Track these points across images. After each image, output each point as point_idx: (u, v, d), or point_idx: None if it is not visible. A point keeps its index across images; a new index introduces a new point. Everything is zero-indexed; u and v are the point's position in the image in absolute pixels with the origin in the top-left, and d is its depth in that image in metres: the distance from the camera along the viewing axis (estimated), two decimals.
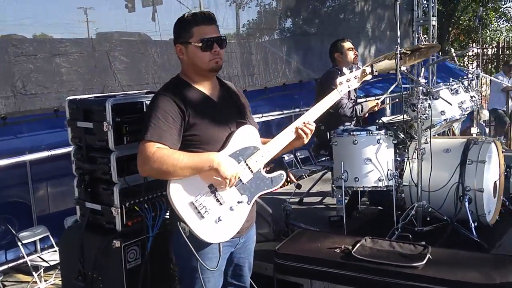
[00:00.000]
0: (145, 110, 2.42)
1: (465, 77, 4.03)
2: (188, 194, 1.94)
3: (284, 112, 5.82)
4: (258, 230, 2.52)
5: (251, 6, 6.13)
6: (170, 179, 1.93)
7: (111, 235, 2.42)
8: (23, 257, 3.91)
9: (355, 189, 3.61)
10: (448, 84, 3.58)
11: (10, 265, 4.11)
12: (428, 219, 3.47)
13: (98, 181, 2.51)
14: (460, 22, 14.15)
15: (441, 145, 3.62)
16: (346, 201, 3.81)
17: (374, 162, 3.49)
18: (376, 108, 4.21)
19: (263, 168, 2.12)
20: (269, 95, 5.59)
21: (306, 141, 2.20)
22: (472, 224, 3.27)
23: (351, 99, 4.14)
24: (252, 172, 2.07)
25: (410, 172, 3.55)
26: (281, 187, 2.41)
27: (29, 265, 3.85)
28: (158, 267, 2.46)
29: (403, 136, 3.59)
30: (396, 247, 2.91)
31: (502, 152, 3.68)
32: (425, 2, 7.91)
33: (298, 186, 4.41)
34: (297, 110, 6.18)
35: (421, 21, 8.13)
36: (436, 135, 4.01)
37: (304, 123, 2.17)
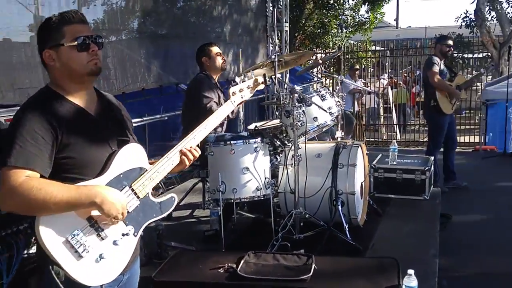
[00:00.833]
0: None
1: (315, 79, 4.25)
2: (63, 230, 1.61)
3: (144, 119, 5.51)
4: None
5: (97, 4, 5.66)
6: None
7: None
8: None
9: (233, 201, 3.51)
10: (319, 90, 3.70)
11: None
12: (302, 224, 3.55)
13: None
14: (305, 28, 15.19)
15: (313, 150, 3.73)
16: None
17: (252, 171, 3.44)
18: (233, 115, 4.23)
19: (152, 191, 1.88)
20: (127, 101, 5.22)
21: (187, 164, 1.99)
22: (346, 227, 3.44)
23: (220, 104, 4.06)
24: (138, 198, 1.80)
25: (288, 178, 3.59)
26: None
27: None
28: None
29: (279, 143, 3.62)
30: (281, 259, 2.89)
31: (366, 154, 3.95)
32: (275, 9, 8.35)
33: None
34: (157, 116, 5.94)
35: (275, 27, 8.55)
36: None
37: (191, 147, 1.97)
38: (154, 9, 6.13)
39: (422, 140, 13.34)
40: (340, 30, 14.58)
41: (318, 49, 15.13)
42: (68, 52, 1.69)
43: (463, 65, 14.15)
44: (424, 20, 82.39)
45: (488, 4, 12.21)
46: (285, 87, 3.68)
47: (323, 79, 13.38)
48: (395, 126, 14.85)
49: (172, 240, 3.55)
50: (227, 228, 3.79)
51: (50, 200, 1.54)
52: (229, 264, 2.82)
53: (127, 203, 1.75)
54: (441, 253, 3.37)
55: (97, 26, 5.47)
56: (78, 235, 1.63)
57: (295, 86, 3.43)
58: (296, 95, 3.38)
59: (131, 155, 1.83)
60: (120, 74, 5.52)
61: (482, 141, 10.82)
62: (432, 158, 4.88)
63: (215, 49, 4.13)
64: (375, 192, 4.50)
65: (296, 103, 3.36)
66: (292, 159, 3.51)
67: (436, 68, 5.41)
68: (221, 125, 4.11)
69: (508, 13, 13.06)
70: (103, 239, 1.71)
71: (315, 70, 8.00)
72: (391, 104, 15.13)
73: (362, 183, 3.84)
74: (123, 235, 1.76)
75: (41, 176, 1.61)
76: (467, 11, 13.52)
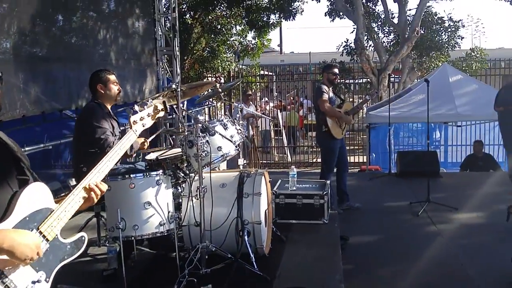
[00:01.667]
0: None
1: (206, 104, 4.29)
2: None
3: (27, 149, 5.06)
4: None
5: None
6: None
7: None
8: None
9: (133, 238, 3.33)
10: (221, 119, 3.70)
11: None
12: (207, 257, 3.49)
13: None
14: (194, 52, 15.33)
15: (217, 180, 3.69)
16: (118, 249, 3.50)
17: (154, 205, 3.30)
18: (145, 147, 4.04)
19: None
20: (7, 130, 4.74)
21: (95, 201, 1.90)
22: (253, 257, 3.45)
23: (115, 136, 3.87)
24: (48, 240, 1.68)
25: (193, 211, 3.51)
26: None
27: None
28: None
29: (183, 175, 3.53)
30: None
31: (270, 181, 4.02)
32: (161, 32, 8.31)
33: None
34: (41, 145, 5.51)
35: (164, 50, 8.48)
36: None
37: (96, 183, 1.87)
38: (31, 28, 5.70)
39: (311, 161, 14.12)
40: (236, 58, 14.97)
41: (208, 73, 15.36)
42: None
43: (345, 90, 15.27)
44: (307, 46, 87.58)
45: (366, 33, 13.36)
46: (185, 115, 3.62)
47: (215, 103, 13.67)
48: (285, 148, 15.53)
49: (66, 282, 3.25)
50: (127, 266, 3.59)
51: None
52: None
53: None
54: (344, 276, 3.52)
55: None
56: None
57: (192, 111, 3.40)
58: (200, 124, 3.35)
59: (35, 195, 1.70)
60: None
61: (366, 161, 11.66)
62: (329, 182, 5.12)
63: (112, 77, 3.93)
64: (277, 218, 4.58)
65: (200, 133, 3.33)
66: (196, 190, 3.45)
67: (325, 96, 5.75)
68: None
69: (384, 42, 14.41)
70: None
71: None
72: (281, 127, 15.82)
73: (266, 210, 3.89)
74: (33, 282, 1.63)
75: None
76: (347, 40, 14.68)
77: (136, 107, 2.22)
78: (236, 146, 3.68)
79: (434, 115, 9.41)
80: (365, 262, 4.47)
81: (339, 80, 6.48)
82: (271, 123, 14.74)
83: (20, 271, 1.58)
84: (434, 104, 9.20)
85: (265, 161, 13.41)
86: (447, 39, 13.74)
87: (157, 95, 3.65)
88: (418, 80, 13.61)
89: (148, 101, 2.34)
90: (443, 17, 14.12)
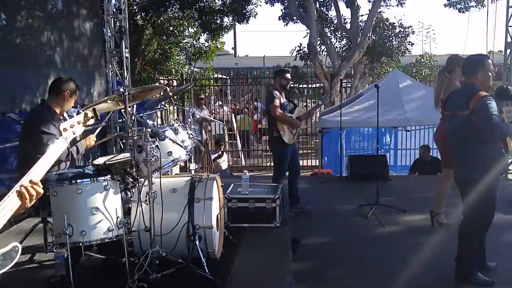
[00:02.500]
0: None
1: (158, 108, 4.33)
2: None
3: None
4: None
5: None
6: None
7: None
8: None
9: (81, 244, 3.31)
10: (171, 124, 3.74)
11: None
12: (157, 262, 3.51)
13: None
14: (145, 54, 15.19)
15: (168, 185, 3.72)
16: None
17: (102, 211, 3.31)
18: (92, 143, 4.01)
19: None
20: None
21: (29, 204, 1.84)
22: (204, 262, 3.50)
23: None
24: None
25: (142, 216, 3.52)
26: None
27: None
28: None
29: (132, 180, 3.54)
30: None
31: (221, 186, 4.09)
32: (110, 34, 8.20)
33: None
34: None
35: (114, 52, 8.37)
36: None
37: (31, 182, 1.83)
38: None
39: (265, 165, 14.27)
40: (188, 61, 14.93)
41: (160, 75, 15.24)
42: None
43: (298, 95, 15.53)
44: (261, 49, 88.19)
45: (319, 38, 13.65)
46: (135, 120, 3.63)
47: (167, 107, 13.58)
48: (239, 152, 15.62)
49: None
50: (75, 272, 3.56)
51: None
52: None
53: None
54: (295, 278, 3.63)
55: None
56: None
57: (142, 115, 3.43)
58: (149, 129, 3.38)
59: None
60: None
61: (318, 164, 11.88)
62: (281, 186, 5.24)
63: (77, 92, 3.94)
64: (229, 222, 4.65)
65: (150, 138, 3.36)
66: (146, 195, 3.48)
67: (277, 102, 5.86)
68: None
69: (336, 47, 14.77)
70: None
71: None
72: (235, 131, 15.88)
73: (217, 215, 3.95)
74: None
75: None
76: (301, 44, 14.92)
77: (66, 115, 2.26)
78: (187, 151, 3.73)
79: (384, 120, 9.77)
80: (316, 263, 4.60)
81: (291, 85, 6.61)
82: (225, 127, 14.77)
83: None
84: (384, 109, 9.52)
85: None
86: (397, 45, 14.27)
87: (105, 98, 3.64)
88: (370, 85, 14.04)
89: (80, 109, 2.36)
90: (394, 23, 14.66)
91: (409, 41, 14.26)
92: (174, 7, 14.91)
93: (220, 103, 18.07)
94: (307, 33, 13.63)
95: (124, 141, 7.71)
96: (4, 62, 6.10)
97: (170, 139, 3.52)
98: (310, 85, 15.57)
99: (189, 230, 3.56)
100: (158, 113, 13.04)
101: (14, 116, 6.20)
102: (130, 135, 3.51)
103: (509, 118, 4.15)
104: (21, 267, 3.84)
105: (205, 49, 16.82)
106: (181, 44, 16.09)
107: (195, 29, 16.40)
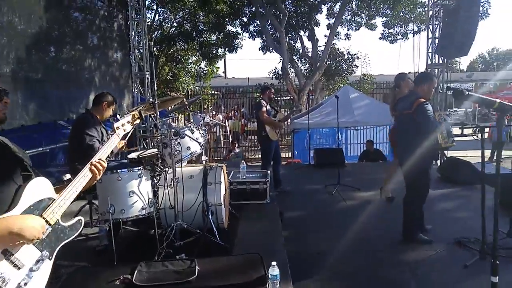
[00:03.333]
0: None
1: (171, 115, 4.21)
2: None
3: (27, 152, 4.66)
4: None
5: None
6: None
7: None
8: None
9: (121, 220, 3.12)
10: (189, 125, 3.56)
11: None
12: (179, 233, 3.33)
13: None
14: (160, 76, 14.90)
15: (186, 172, 3.55)
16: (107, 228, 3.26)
17: (137, 193, 3.12)
18: (123, 149, 3.82)
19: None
20: (8, 136, 4.32)
21: (98, 177, 1.79)
22: (216, 232, 3.34)
23: (103, 141, 3.63)
24: (50, 225, 1.51)
25: (168, 197, 3.34)
26: None
27: None
28: None
29: (160, 169, 3.36)
30: (169, 266, 2.64)
31: (227, 173, 3.92)
32: (135, 61, 7.98)
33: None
34: (40, 149, 5.13)
35: (138, 75, 8.14)
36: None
37: (98, 160, 1.77)
38: (26, 57, 5.26)
39: (251, 157, 14.11)
40: (198, 79, 14.67)
41: (171, 92, 15.00)
42: None
43: (275, 105, 15.39)
44: (245, 72, 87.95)
45: (289, 63, 13.54)
46: (160, 123, 3.46)
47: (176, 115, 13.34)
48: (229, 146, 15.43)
49: (66, 259, 2.99)
50: (116, 242, 3.36)
51: None
52: (124, 276, 2.48)
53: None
54: (284, 241, 3.50)
55: None
56: None
57: (164, 120, 3.27)
58: (173, 130, 3.20)
59: (38, 187, 1.52)
60: None
61: (291, 156, 11.80)
62: (269, 172, 5.10)
63: (114, 104, 3.77)
64: (232, 200, 4.49)
65: (173, 136, 3.18)
66: (171, 181, 3.30)
67: (264, 109, 5.74)
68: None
69: (302, 70, 14.68)
70: (19, 268, 1.37)
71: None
72: (228, 132, 15.70)
73: (224, 195, 3.79)
74: (37, 261, 1.45)
75: None
76: (276, 68, 14.82)
77: (118, 116, 2.11)
78: (200, 146, 3.56)
79: (339, 122, 9.73)
80: (297, 230, 4.48)
81: (274, 97, 6.49)
82: (221, 129, 14.56)
83: (25, 251, 1.41)
84: (339, 114, 9.47)
85: (216, 158, 13.23)
86: (346, 68, 14.26)
87: (137, 107, 3.45)
88: (326, 97, 14.01)
89: (127, 112, 2.22)
90: (343, 51, 14.63)
91: (355, 65, 14.32)
92: (181, 41, 14.63)
93: (214, 112, 17.86)
94: (281, 59, 13.53)
95: (146, 140, 7.49)
96: (54, 82, 5.87)
97: (189, 136, 3.34)
98: (283, 98, 15.50)
99: (204, 207, 3.40)
100: (170, 119, 12.77)
101: (63, 123, 5.96)
102: (157, 134, 3.33)
103: (440, 120, 4.10)
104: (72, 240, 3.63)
105: (204, 72, 16.60)
106: (186, 69, 15.84)
107: (196, 57, 16.14)
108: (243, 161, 4.87)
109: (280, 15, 13.11)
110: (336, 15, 13.97)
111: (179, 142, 3.24)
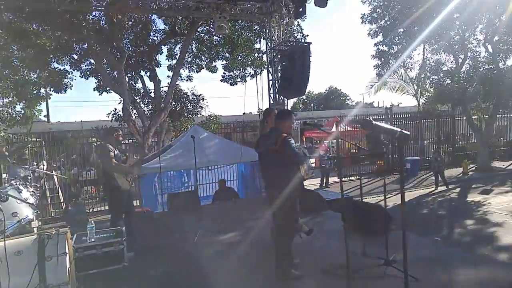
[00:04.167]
0: None
1: None
2: None
3: None
4: None
5: None
6: None
7: None
8: None
9: None
10: (13, 183, 2.70)
11: None
12: None
13: None
14: None
15: (11, 248, 2.65)
16: None
17: None
18: None
19: None
20: None
21: None
22: None
23: None
24: None
25: None
26: None
27: None
28: None
29: None
30: None
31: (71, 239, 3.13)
32: None
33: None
34: None
35: None
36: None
37: None
38: None
39: (90, 211, 12.40)
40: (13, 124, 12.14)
41: None
42: None
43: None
44: (78, 115, 80.00)
45: (131, 104, 12.79)
46: None
47: None
48: (62, 203, 13.28)
49: None
50: None
51: None
52: None
53: None
54: None
55: None
56: None
57: None
58: None
59: None
60: None
61: (139, 204, 10.87)
62: (123, 228, 4.39)
63: None
64: (78, 272, 3.61)
65: None
66: None
67: (112, 154, 5.06)
68: None
69: (145, 110, 14.07)
70: None
71: None
72: (56, 185, 13.52)
73: (69, 269, 2.98)
74: None
75: None
76: (115, 109, 13.77)
77: None
78: (34, 209, 2.74)
79: (192, 163, 9.53)
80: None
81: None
82: (46, 182, 12.34)
83: None
84: (191, 155, 9.31)
85: (43, 218, 11.08)
86: (192, 108, 14.39)
87: None
88: (173, 138, 13.73)
89: None
90: (187, 92, 14.78)
91: (200, 105, 14.56)
92: None
93: (36, 162, 15.23)
94: (121, 100, 12.69)
95: None
96: None
97: (15, 198, 2.51)
98: (126, 141, 14.40)
99: None
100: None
101: None
102: None
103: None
104: None
105: (20, 116, 14.10)
106: None
107: (10, 98, 13.60)
108: (91, 220, 4.04)
109: (117, 54, 12.42)
110: (177, 56, 14.11)
111: (0, 208, 2.39)
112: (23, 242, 2.74)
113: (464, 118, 16.16)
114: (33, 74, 13.27)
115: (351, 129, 15.64)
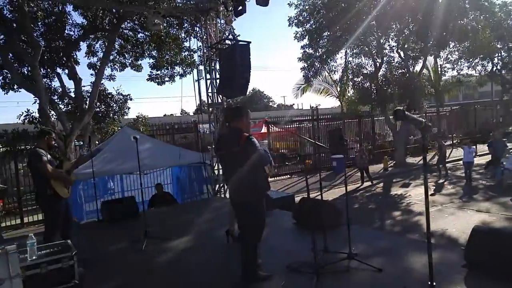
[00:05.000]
0: None
1: None
2: None
3: None
4: None
5: None
6: None
7: None
8: None
9: None
10: None
11: None
12: None
13: None
14: None
15: None
16: None
17: None
18: None
19: None
20: None
21: None
22: None
23: None
24: None
25: None
26: None
27: None
28: None
29: None
30: None
31: None
32: None
33: None
34: None
35: None
36: None
37: None
38: None
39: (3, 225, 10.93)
40: None
41: None
42: None
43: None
44: None
45: (49, 105, 11.57)
46: None
47: None
48: None
49: None
50: None
51: None
52: None
53: None
54: None
55: None
56: None
57: None
58: None
59: None
60: None
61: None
62: (69, 241, 3.92)
63: None
64: None
65: None
66: None
67: (44, 159, 4.51)
68: None
69: (65, 112, 12.81)
70: None
71: None
72: None
73: None
74: None
75: None
76: (28, 110, 12.29)
77: None
78: None
79: (124, 168, 8.94)
80: None
81: (55, 144, 5.22)
82: None
83: None
84: (124, 159, 8.76)
85: None
86: (118, 109, 13.49)
87: None
88: (98, 142, 12.76)
89: None
90: (111, 92, 13.83)
91: (128, 106, 13.75)
92: None
93: None
94: (35, 100, 11.40)
95: None
96: None
97: None
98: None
99: None
100: None
101: None
102: None
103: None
104: None
105: None
106: None
107: None
108: (32, 235, 3.51)
109: (28, 48, 11.14)
110: (100, 54, 13.15)
111: None
112: None
113: (383, 118, 17.62)
114: None
115: (280, 130, 16.11)
